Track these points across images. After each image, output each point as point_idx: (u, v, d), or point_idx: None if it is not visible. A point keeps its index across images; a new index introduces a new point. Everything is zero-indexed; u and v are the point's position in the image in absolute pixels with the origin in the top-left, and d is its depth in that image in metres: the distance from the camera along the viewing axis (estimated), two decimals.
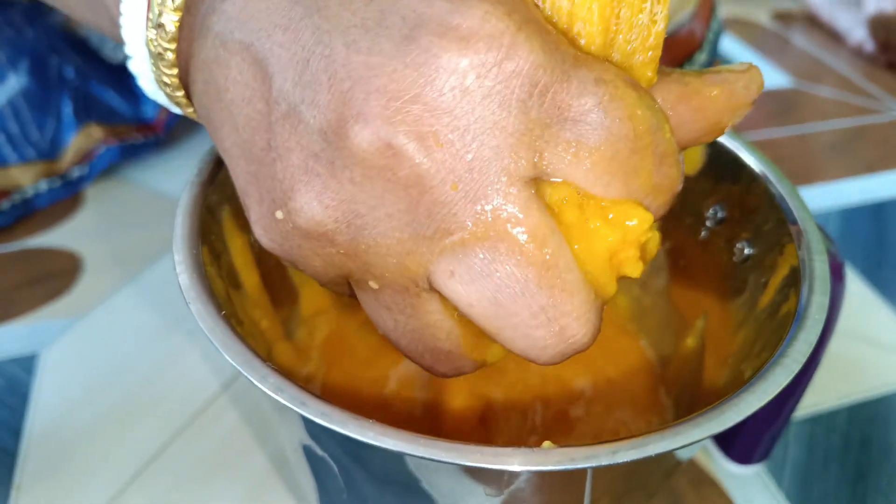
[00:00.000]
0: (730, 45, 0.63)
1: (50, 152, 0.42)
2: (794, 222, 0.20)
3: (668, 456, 0.18)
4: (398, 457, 0.16)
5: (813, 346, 0.16)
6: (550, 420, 0.25)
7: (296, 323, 0.26)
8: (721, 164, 0.24)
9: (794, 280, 0.19)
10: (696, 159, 0.24)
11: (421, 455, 0.14)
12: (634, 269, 0.16)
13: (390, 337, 0.18)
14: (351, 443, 0.15)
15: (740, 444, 0.29)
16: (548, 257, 0.15)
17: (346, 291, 0.19)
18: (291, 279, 0.25)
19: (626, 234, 0.16)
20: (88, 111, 0.43)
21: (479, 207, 0.15)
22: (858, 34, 0.63)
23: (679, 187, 0.17)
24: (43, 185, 0.42)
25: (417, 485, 0.17)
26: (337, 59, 0.15)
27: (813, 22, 0.68)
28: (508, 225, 0.15)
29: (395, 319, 0.17)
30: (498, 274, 0.15)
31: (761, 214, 0.22)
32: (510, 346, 0.16)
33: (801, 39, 0.65)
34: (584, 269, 0.16)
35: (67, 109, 0.42)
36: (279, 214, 0.16)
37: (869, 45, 0.62)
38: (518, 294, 0.15)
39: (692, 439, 0.14)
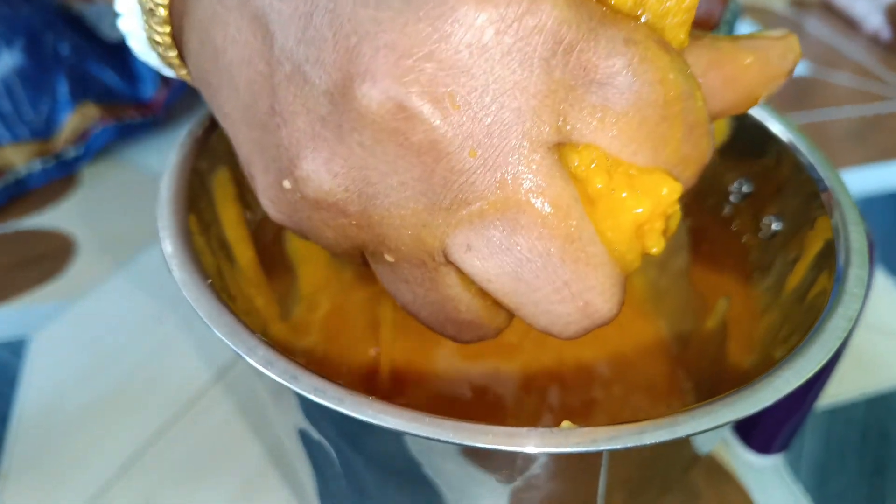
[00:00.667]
0: (743, 32, 0.62)
1: (44, 132, 0.41)
2: (826, 190, 0.19)
3: (689, 445, 0.16)
4: (399, 439, 0.15)
5: (853, 321, 0.15)
6: (567, 403, 0.24)
7: (293, 301, 0.25)
8: (746, 135, 0.22)
9: (828, 254, 0.17)
10: (721, 131, 0.23)
11: (425, 435, 0.13)
12: (657, 243, 0.15)
13: (409, 309, 0.17)
14: (348, 423, 0.14)
15: (761, 432, 0.28)
16: (572, 230, 0.14)
17: (360, 262, 0.18)
18: (289, 256, 0.24)
19: (656, 204, 0.14)
20: (84, 90, 0.42)
21: (499, 176, 0.14)
22: (875, 21, 0.61)
23: (708, 159, 0.16)
24: (36, 165, 0.41)
25: (421, 471, 0.16)
26: (342, 13, 0.13)
27: (828, 9, 0.66)
28: (531, 195, 0.14)
29: (413, 292, 0.16)
30: (519, 247, 0.14)
31: (790, 186, 0.21)
32: (531, 321, 0.15)
33: (816, 26, 0.64)
34: (609, 241, 0.15)
35: (63, 88, 0.41)
36: (286, 184, 0.15)
37: (886, 32, 0.61)
38: (540, 269, 0.14)
39: (724, 420, 0.13)
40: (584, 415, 0.23)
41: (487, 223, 0.14)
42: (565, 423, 0.14)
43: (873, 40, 0.62)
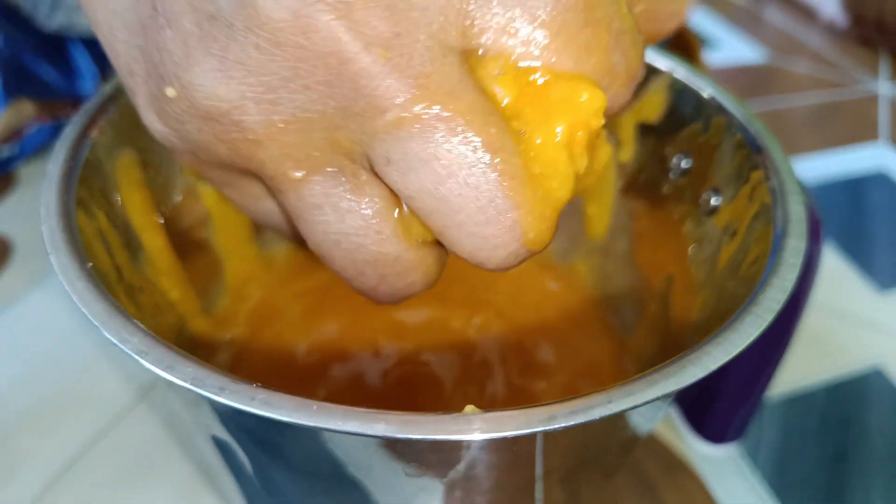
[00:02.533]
0: (702, 20, 0.62)
1: None
2: (761, 150, 0.18)
3: (624, 424, 0.15)
4: (291, 432, 0.13)
5: (788, 293, 0.14)
6: (508, 392, 0.22)
7: (218, 293, 0.23)
8: (682, 107, 0.22)
9: (764, 221, 0.16)
10: (657, 104, 0.22)
11: (306, 423, 0.11)
12: (578, 160, 0.13)
13: (322, 249, 0.15)
14: (251, 422, 0.13)
15: (713, 421, 0.27)
16: (493, 139, 0.13)
17: (270, 222, 0.16)
18: (213, 246, 0.23)
19: (574, 114, 0.13)
20: (19, 85, 0.40)
21: (411, 81, 0.12)
22: (830, 9, 0.62)
23: (640, 72, 0.15)
24: None
25: (330, 469, 0.15)
26: None
27: None
28: (446, 103, 0.13)
29: (325, 221, 0.15)
30: (439, 160, 0.13)
31: (724, 152, 0.20)
32: (456, 248, 0.14)
33: (774, 15, 0.64)
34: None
35: None
36: (170, 92, 0.14)
37: (841, 20, 0.61)
38: (462, 184, 0.13)
39: (648, 398, 0.12)
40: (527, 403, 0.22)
41: (405, 134, 0.13)
42: (469, 408, 0.12)
43: (830, 28, 0.62)
